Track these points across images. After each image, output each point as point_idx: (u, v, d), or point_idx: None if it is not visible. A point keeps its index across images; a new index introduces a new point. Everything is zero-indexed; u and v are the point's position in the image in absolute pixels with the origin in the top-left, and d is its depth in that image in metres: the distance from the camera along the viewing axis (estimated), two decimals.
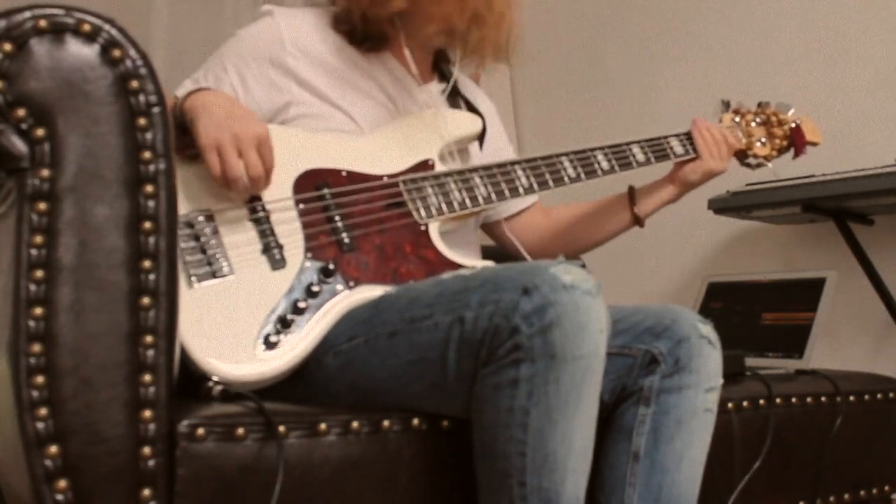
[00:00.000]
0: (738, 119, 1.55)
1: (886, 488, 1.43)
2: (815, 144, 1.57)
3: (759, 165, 1.56)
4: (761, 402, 1.29)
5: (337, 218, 1.16)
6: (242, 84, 1.25)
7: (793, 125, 1.54)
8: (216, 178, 1.09)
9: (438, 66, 1.42)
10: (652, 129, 1.45)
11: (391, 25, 1.30)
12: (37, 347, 0.80)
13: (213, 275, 1.07)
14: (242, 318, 1.06)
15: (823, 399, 1.36)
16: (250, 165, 1.09)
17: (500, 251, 1.50)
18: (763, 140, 1.54)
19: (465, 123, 1.35)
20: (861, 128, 2.17)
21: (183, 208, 1.09)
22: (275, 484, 0.88)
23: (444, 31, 1.30)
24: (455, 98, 1.40)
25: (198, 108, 1.11)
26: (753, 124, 1.55)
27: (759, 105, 1.57)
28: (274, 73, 1.25)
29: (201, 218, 1.09)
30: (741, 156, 1.54)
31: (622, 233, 1.47)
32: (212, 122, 1.09)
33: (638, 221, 1.44)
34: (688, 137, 1.44)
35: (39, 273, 0.81)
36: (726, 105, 1.57)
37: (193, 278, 1.05)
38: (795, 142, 1.54)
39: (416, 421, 1.01)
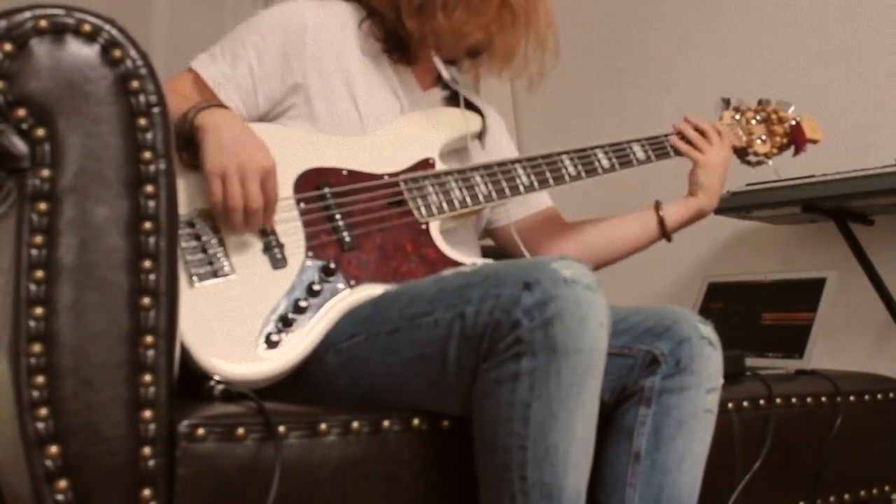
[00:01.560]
0: (738, 117, 1.55)
1: (886, 488, 1.43)
2: (815, 142, 1.57)
3: (759, 163, 1.56)
4: (761, 402, 1.29)
5: (338, 217, 1.16)
6: (259, 62, 1.24)
7: (793, 122, 1.54)
8: (216, 204, 1.09)
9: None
10: (654, 128, 1.45)
11: (421, 42, 1.30)
12: (37, 347, 0.80)
13: (215, 274, 1.07)
14: (244, 318, 1.06)
15: (823, 399, 1.36)
16: (251, 197, 1.08)
17: (500, 250, 1.49)
18: (763, 138, 1.54)
19: (464, 121, 1.35)
20: (861, 128, 2.17)
21: (184, 208, 1.09)
22: (274, 484, 0.88)
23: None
24: (457, 102, 1.39)
25: (208, 128, 1.10)
26: (754, 122, 1.55)
27: (760, 102, 1.57)
28: (291, 55, 1.25)
29: (202, 217, 1.09)
30: (741, 153, 1.54)
31: (644, 246, 1.43)
32: (220, 148, 1.09)
33: (663, 227, 1.40)
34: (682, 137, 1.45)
35: (39, 273, 0.81)
36: (726, 103, 1.57)
37: (194, 278, 1.05)
38: (796, 139, 1.54)
39: (416, 421, 1.01)
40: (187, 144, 1.11)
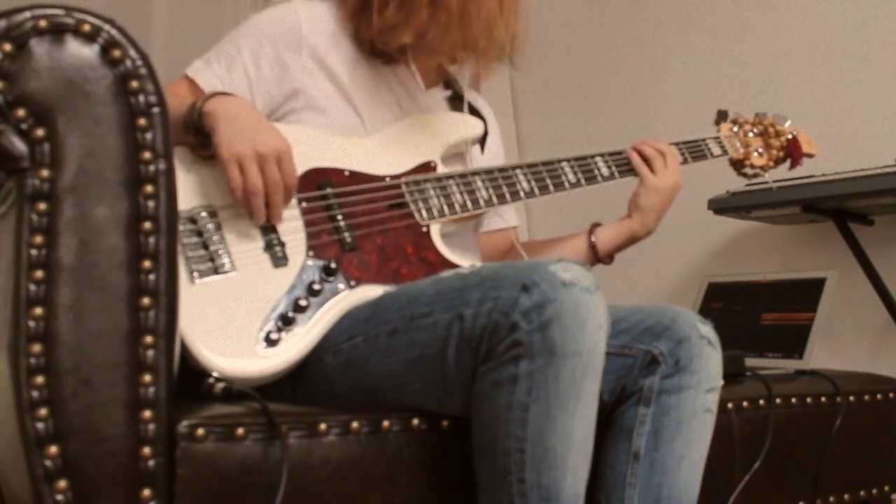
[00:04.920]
0: (735, 129, 1.57)
1: (886, 488, 1.44)
2: (811, 156, 1.60)
3: (755, 175, 1.59)
4: (761, 402, 1.29)
5: (339, 217, 1.16)
6: (255, 66, 1.24)
7: (789, 136, 1.56)
8: (235, 191, 1.09)
9: (443, 71, 1.41)
10: (654, 134, 1.45)
11: (400, 51, 1.28)
12: (37, 347, 0.80)
13: (216, 271, 1.07)
14: (244, 315, 1.06)
15: (823, 399, 1.36)
16: (270, 181, 1.09)
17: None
18: (760, 150, 1.57)
19: (466, 126, 1.35)
20: (861, 128, 2.17)
21: (186, 204, 1.09)
22: (276, 484, 0.88)
23: (450, 59, 1.32)
24: (458, 103, 1.39)
25: (219, 114, 1.10)
26: (751, 135, 1.57)
27: (757, 115, 1.59)
28: (288, 58, 1.24)
29: (204, 214, 1.10)
30: (738, 165, 1.57)
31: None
32: (234, 133, 1.09)
33: (595, 252, 1.37)
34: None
35: (39, 273, 0.81)
36: (723, 115, 1.58)
37: (195, 274, 1.05)
38: (792, 153, 1.57)
39: (416, 421, 1.01)
40: (197, 134, 1.12)
